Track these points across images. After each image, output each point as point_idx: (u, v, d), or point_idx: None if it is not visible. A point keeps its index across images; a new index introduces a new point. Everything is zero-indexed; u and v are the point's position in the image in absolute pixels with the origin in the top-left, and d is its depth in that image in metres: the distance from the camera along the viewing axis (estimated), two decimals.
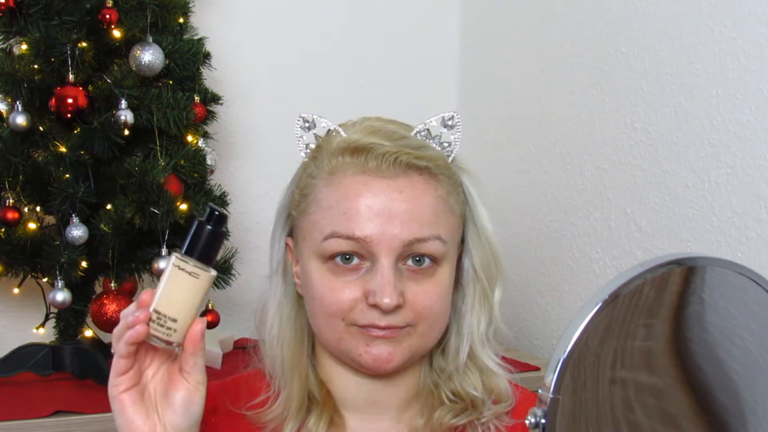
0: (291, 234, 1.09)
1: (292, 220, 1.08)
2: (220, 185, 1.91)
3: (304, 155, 1.08)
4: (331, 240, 1.01)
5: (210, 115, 1.90)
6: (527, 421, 0.78)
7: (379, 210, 1.00)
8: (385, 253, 0.99)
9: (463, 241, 1.08)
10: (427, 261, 1.02)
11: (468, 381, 1.08)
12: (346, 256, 1.01)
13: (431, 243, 1.01)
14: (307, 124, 1.08)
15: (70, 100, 1.68)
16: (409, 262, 1.01)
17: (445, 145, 1.06)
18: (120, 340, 0.93)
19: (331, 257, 1.01)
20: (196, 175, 1.80)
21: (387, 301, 0.98)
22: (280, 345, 1.07)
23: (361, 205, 1.00)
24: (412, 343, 1.02)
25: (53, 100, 1.70)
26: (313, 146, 1.07)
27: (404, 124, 1.08)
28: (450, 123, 1.06)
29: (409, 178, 1.01)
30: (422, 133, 1.06)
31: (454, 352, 1.08)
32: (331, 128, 1.06)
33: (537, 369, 1.79)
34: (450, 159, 1.06)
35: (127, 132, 1.71)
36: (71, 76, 1.69)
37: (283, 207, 1.10)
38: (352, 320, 1.01)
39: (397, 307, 1.00)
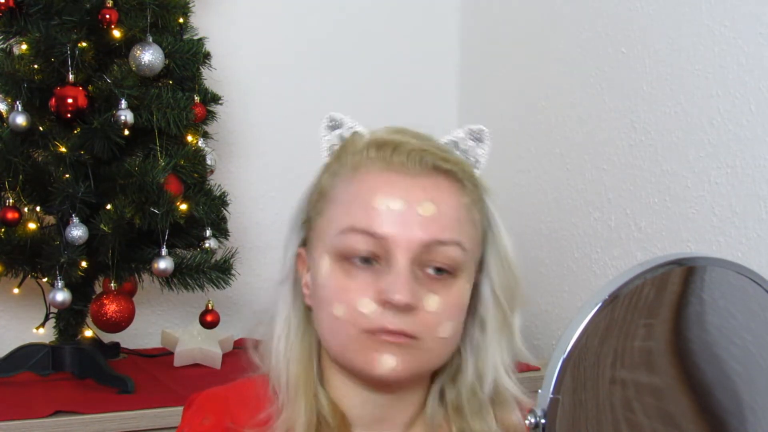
0: (304, 244, 1.05)
1: (308, 225, 1.04)
2: (220, 185, 1.91)
3: (327, 155, 1.04)
4: (348, 234, 0.97)
5: (210, 115, 1.90)
6: (527, 421, 0.78)
7: (400, 208, 0.96)
8: (403, 253, 0.96)
9: (481, 266, 1.03)
10: (445, 272, 0.97)
11: (482, 419, 1.03)
12: (364, 258, 0.97)
13: (451, 248, 0.97)
14: (333, 123, 1.04)
15: (70, 100, 1.68)
16: (428, 270, 0.97)
17: (471, 160, 1.03)
18: None
19: (346, 256, 0.97)
20: (196, 175, 1.80)
21: (399, 297, 0.94)
22: (286, 361, 1.03)
23: (381, 202, 0.96)
24: (418, 359, 0.97)
25: (53, 100, 1.70)
26: (336, 147, 1.04)
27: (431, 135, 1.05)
28: (478, 136, 1.03)
29: (434, 179, 0.98)
30: (449, 145, 1.03)
31: (470, 389, 1.03)
32: (358, 130, 1.03)
33: (537, 369, 1.79)
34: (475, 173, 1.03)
35: (127, 132, 1.71)
36: (71, 76, 1.69)
37: (297, 212, 1.06)
38: (363, 326, 0.96)
39: (409, 308, 0.95)
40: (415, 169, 0.98)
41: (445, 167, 0.99)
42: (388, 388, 1.01)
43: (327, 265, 0.99)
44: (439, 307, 0.97)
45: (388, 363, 0.96)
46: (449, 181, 0.99)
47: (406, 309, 0.95)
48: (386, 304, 0.95)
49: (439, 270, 0.98)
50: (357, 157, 1.00)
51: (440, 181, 0.99)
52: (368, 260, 0.97)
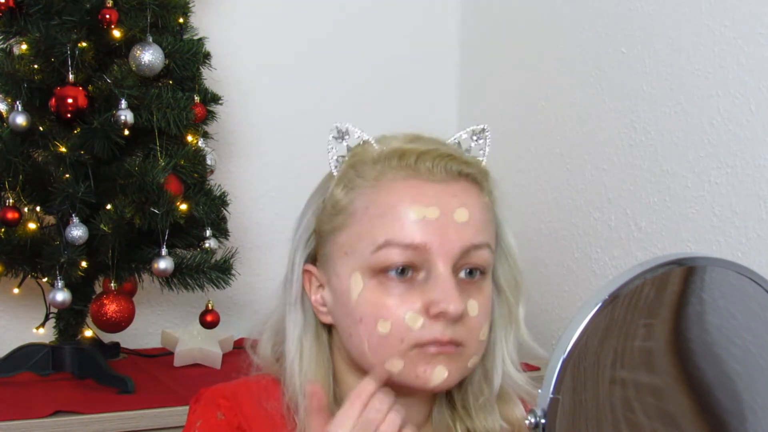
0: (308, 260, 1.04)
1: (317, 242, 1.03)
2: (220, 185, 1.91)
3: (334, 167, 1.02)
4: (385, 249, 0.95)
5: (210, 115, 1.90)
6: (527, 421, 0.78)
7: (436, 217, 0.96)
8: (444, 261, 0.95)
9: None
10: (477, 273, 0.98)
11: (487, 416, 1.04)
12: (400, 270, 0.95)
13: (483, 251, 0.98)
14: (340, 134, 1.02)
15: (70, 100, 1.68)
16: (461, 274, 0.97)
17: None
18: None
19: (383, 270, 0.96)
20: (196, 175, 1.80)
21: (453, 307, 0.94)
22: (302, 387, 1.00)
23: (417, 212, 0.95)
24: (463, 365, 0.98)
25: (53, 100, 1.70)
26: (344, 159, 1.01)
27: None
28: (480, 135, 1.04)
29: (461, 184, 0.98)
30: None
31: (478, 387, 1.04)
32: (366, 139, 1.02)
33: (537, 369, 1.79)
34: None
35: (127, 132, 1.71)
36: (71, 76, 1.69)
37: (302, 230, 1.04)
38: (413, 340, 0.95)
39: (461, 318, 0.95)
40: (441, 175, 0.97)
41: (467, 171, 0.99)
42: (408, 394, 1.00)
43: (360, 283, 0.97)
44: (479, 310, 0.98)
45: (440, 374, 0.96)
46: (472, 184, 0.99)
47: (459, 318, 0.95)
48: (438, 315, 0.95)
49: (470, 273, 0.98)
50: (377, 167, 0.99)
51: (466, 185, 0.99)
52: (403, 271, 0.96)
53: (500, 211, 1.05)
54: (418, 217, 0.96)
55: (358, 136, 1.02)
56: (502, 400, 1.05)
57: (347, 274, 0.98)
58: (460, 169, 0.98)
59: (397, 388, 0.98)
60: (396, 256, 0.95)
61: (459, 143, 1.04)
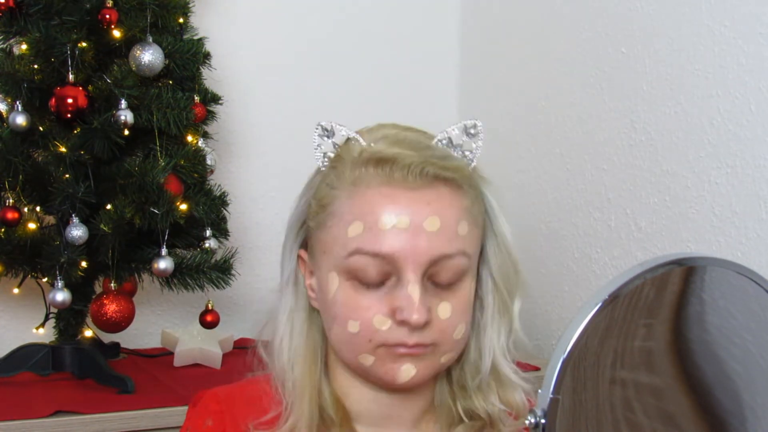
0: (303, 245, 1.06)
1: (307, 231, 1.05)
2: (220, 185, 1.91)
3: (321, 164, 1.03)
4: (356, 257, 0.97)
5: (210, 115, 1.90)
6: (527, 421, 0.78)
7: (406, 226, 0.96)
8: (412, 269, 0.96)
9: (481, 252, 1.04)
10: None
11: (486, 397, 1.05)
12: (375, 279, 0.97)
13: (457, 259, 0.98)
14: (326, 132, 1.02)
15: (70, 100, 1.68)
16: (436, 279, 0.98)
17: (467, 154, 1.03)
18: None
19: (356, 277, 0.98)
20: (196, 175, 1.80)
21: (416, 317, 0.95)
22: (290, 362, 1.03)
23: (387, 221, 0.96)
24: (435, 362, 1.00)
25: (53, 100, 1.70)
26: (331, 155, 1.02)
27: (423, 132, 1.04)
28: (472, 131, 1.03)
29: (436, 190, 0.98)
30: (443, 142, 1.02)
31: (473, 367, 1.05)
32: (351, 136, 1.02)
33: (537, 369, 1.79)
34: (471, 168, 1.03)
35: (127, 132, 1.71)
36: (71, 76, 1.69)
37: (296, 217, 1.06)
38: (380, 341, 0.97)
39: (426, 324, 0.96)
40: (416, 182, 0.97)
41: (445, 176, 0.98)
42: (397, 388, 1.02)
43: (336, 281, 0.99)
44: (452, 313, 0.99)
45: (407, 372, 0.98)
46: (450, 188, 0.99)
47: (423, 325, 0.97)
48: (402, 322, 0.96)
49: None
50: (356, 171, 0.99)
51: (442, 190, 0.98)
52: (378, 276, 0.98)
53: (494, 204, 1.04)
54: (386, 226, 0.96)
55: (344, 134, 1.02)
56: (501, 383, 1.06)
57: (326, 271, 1.01)
58: (437, 174, 0.98)
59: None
60: (368, 266, 0.97)
61: (451, 139, 1.02)
